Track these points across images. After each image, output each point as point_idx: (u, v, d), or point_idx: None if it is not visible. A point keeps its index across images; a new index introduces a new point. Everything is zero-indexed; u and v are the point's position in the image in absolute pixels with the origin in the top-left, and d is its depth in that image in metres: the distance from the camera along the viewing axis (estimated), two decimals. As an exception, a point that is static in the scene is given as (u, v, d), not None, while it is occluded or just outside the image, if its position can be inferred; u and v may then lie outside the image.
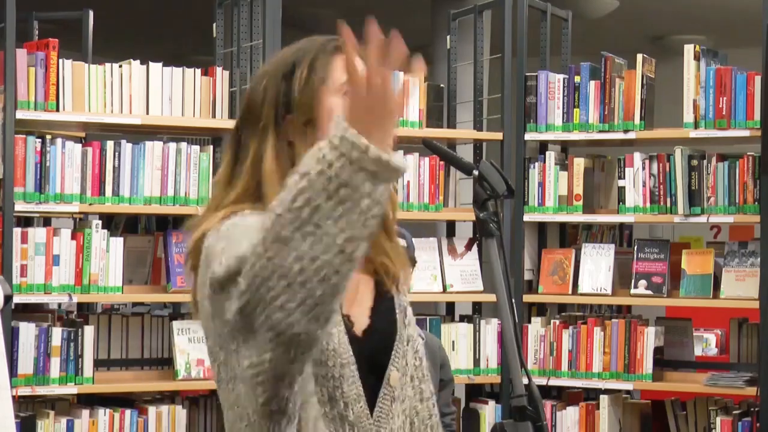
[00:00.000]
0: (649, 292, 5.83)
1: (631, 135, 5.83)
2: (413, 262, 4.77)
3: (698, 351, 7.27)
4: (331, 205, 1.73)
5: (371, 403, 2.10)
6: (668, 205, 5.74)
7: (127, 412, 5.38)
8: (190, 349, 5.49)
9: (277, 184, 2.02)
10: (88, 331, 5.32)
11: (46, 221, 6.11)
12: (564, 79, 5.97)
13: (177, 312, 6.25)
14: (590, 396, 6.09)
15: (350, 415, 2.06)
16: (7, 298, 4.22)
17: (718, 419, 5.66)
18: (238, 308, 1.80)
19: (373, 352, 2.13)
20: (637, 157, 5.81)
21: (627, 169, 5.83)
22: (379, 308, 2.18)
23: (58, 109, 5.28)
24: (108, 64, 5.41)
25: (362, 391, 2.07)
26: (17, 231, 5.21)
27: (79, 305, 5.90)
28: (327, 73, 2.08)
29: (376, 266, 2.18)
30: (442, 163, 5.96)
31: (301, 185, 1.73)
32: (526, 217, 6.01)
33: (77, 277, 5.28)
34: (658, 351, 5.79)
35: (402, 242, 2.25)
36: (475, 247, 6.11)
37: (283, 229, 1.73)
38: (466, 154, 6.05)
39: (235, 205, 2.07)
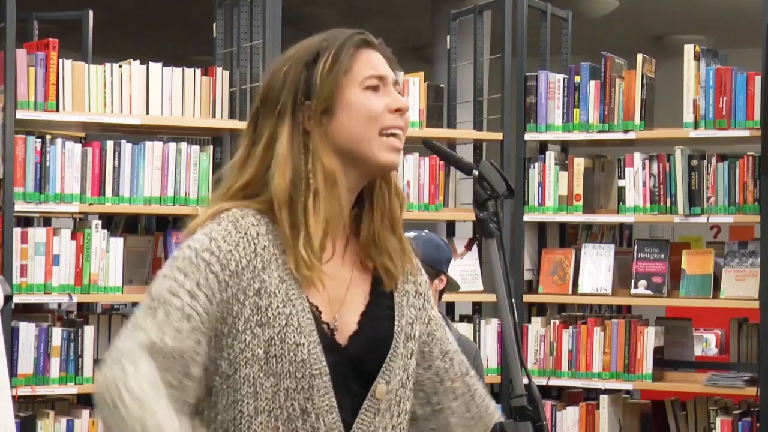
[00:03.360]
0: (649, 292, 5.83)
1: (631, 135, 5.83)
2: (456, 287, 4.67)
3: (698, 351, 7.26)
4: None
5: (355, 414, 2.06)
6: (668, 205, 5.74)
7: (127, 412, 5.37)
8: (190, 349, 5.47)
9: (285, 167, 2.04)
10: (88, 331, 5.32)
11: (46, 221, 6.11)
12: (564, 79, 5.97)
13: (177, 312, 6.23)
14: (590, 396, 6.09)
15: (321, 427, 2.02)
16: (7, 298, 4.22)
17: (718, 419, 5.66)
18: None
19: (360, 360, 2.07)
20: (637, 157, 5.81)
21: (627, 169, 5.83)
22: (372, 313, 2.11)
23: (58, 109, 5.28)
24: (108, 64, 5.41)
25: (335, 402, 2.03)
26: (17, 231, 5.20)
27: (79, 305, 5.90)
28: (350, 64, 2.07)
29: (376, 265, 2.13)
30: (442, 163, 5.96)
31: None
32: (526, 217, 6.01)
33: (77, 277, 5.28)
34: (658, 351, 5.79)
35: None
36: (475, 247, 6.11)
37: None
38: (466, 154, 6.05)
39: (232, 199, 2.09)
